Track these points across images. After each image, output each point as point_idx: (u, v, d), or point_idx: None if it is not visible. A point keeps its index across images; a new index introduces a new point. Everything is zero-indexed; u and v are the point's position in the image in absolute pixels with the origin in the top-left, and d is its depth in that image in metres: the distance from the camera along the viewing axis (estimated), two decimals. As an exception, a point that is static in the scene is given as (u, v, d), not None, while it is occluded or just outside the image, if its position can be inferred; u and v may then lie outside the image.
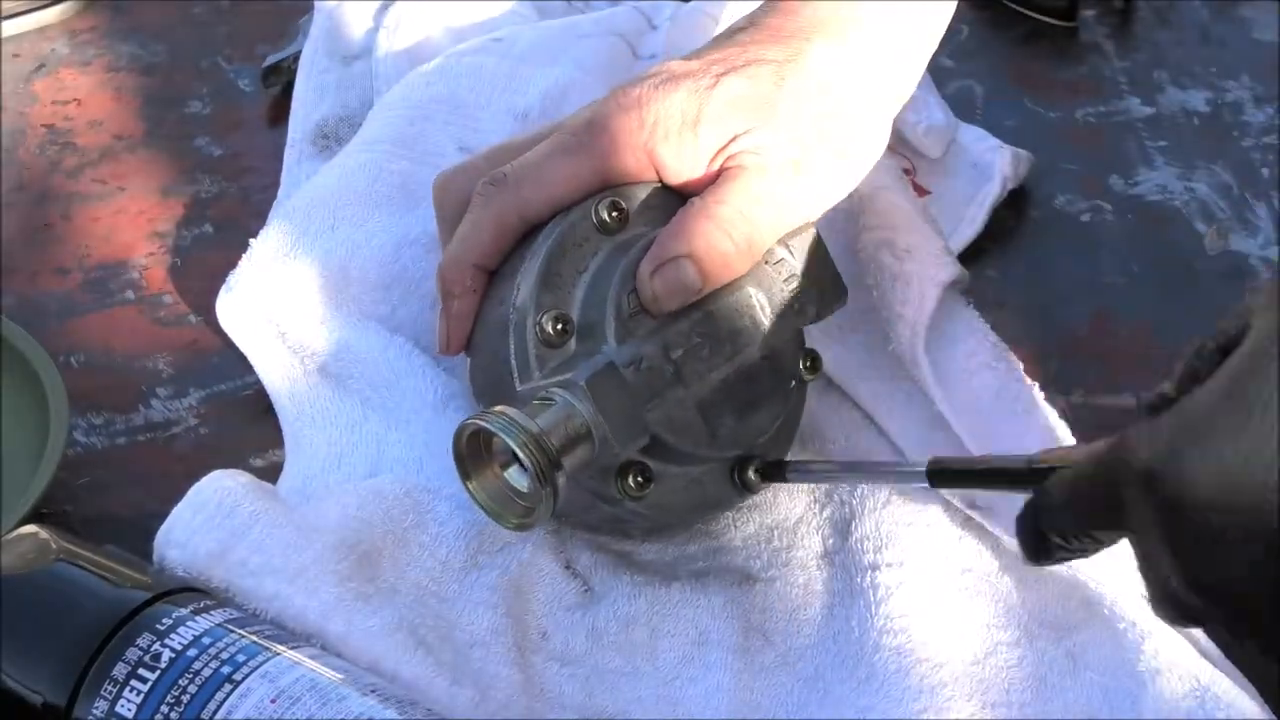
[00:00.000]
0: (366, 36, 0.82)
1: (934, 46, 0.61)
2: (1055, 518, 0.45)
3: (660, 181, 0.57)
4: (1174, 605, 0.42)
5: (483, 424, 0.50)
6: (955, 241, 0.73)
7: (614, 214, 0.56)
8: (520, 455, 0.49)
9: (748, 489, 0.58)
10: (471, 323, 0.57)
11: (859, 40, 0.58)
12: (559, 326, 0.54)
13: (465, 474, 0.52)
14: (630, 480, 0.55)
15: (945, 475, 0.53)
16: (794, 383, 0.58)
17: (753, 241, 0.56)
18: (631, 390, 0.53)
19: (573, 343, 0.55)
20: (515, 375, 0.54)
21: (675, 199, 0.57)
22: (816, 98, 0.57)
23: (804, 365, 0.59)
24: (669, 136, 0.56)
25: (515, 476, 0.52)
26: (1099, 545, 0.46)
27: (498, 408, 0.50)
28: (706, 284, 0.55)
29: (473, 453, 0.52)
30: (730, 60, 0.57)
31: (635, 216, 0.57)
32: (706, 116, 0.56)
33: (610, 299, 0.54)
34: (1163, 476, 0.39)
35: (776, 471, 0.58)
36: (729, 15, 0.78)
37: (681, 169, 0.56)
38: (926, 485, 0.53)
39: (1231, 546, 0.38)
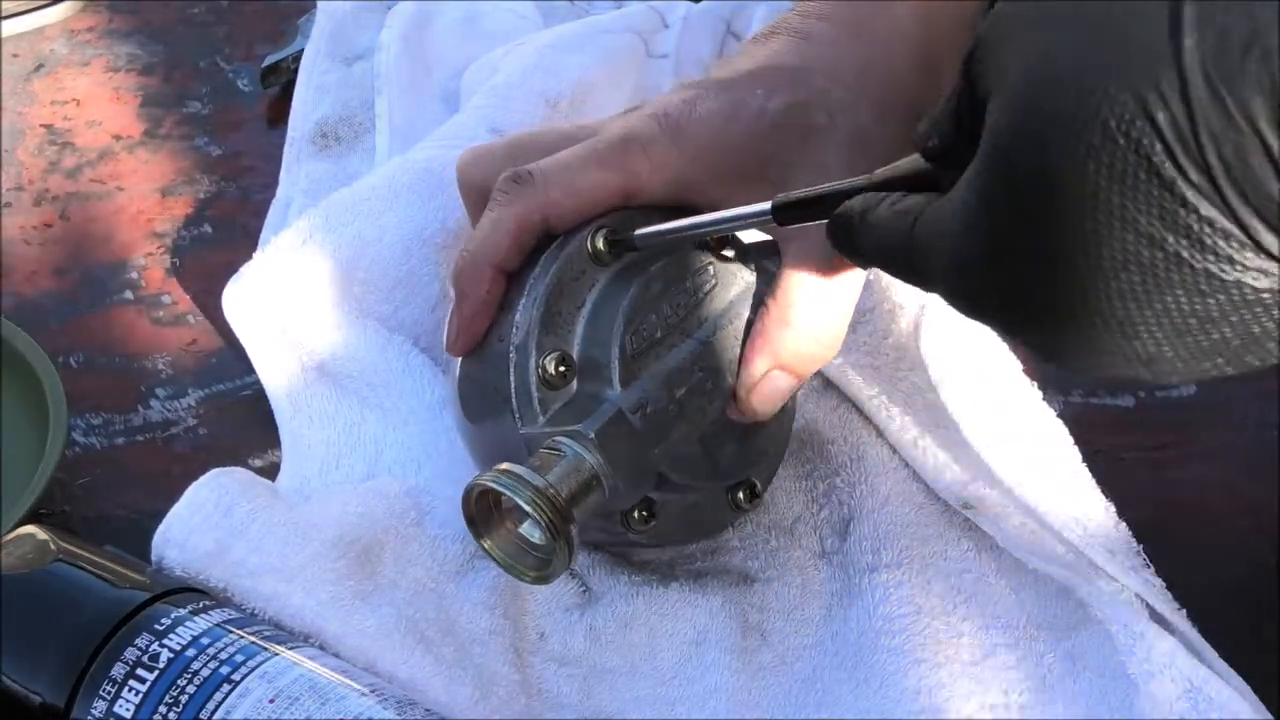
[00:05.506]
0: (369, 37, 0.82)
1: (959, 43, 0.59)
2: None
3: (681, 204, 0.55)
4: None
5: (491, 485, 0.48)
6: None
7: (610, 244, 0.54)
8: (530, 512, 0.48)
9: (740, 509, 0.58)
10: (485, 326, 0.55)
11: (890, 39, 0.55)
12: (561, 369, 0.53)
13: (479, 534, 0.51)
14: (635, 515, 0.55)
15: (790, 208, 0.48)
16: None
17: (836, 328, 0.54)
18: (640, 436, 0.52)
19: (574, 383, 0.53)
20: (518, 417, 0.53)
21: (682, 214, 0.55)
22: (862, 114, 0.54)
23: None
24: (708, 164, 0.54)
25: (529, 530, 0.50)
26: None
27: (503, 465, 0.49)
28: (802, 381, 0.55)
29: (483, 511, 0.51)
30: (771, 78, 0.54)
31: (632, 240, 0.55)
32: (750, 145, 0.53)
33: (614, 340, 0.53)
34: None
35: (628, 242, 0.54)
36: (740, 18, 0.78)
37: (721, 197, 0.54)
38: (773, 221, 0.49)
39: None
